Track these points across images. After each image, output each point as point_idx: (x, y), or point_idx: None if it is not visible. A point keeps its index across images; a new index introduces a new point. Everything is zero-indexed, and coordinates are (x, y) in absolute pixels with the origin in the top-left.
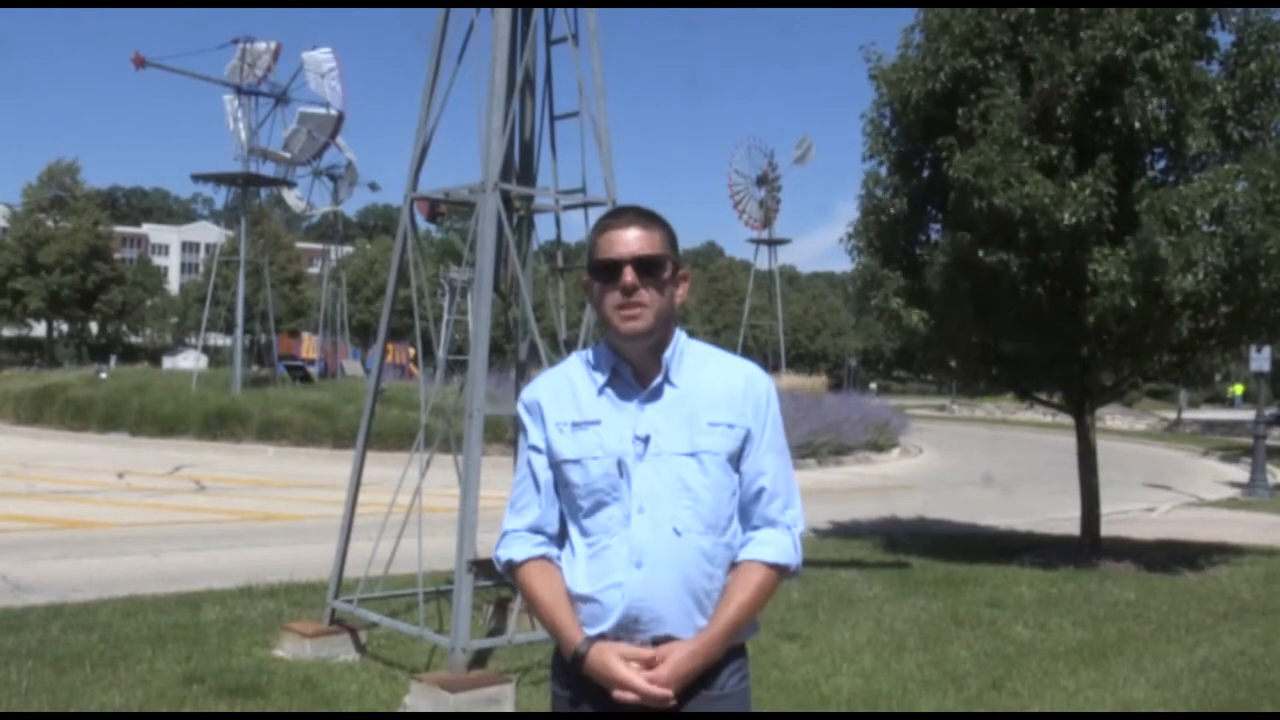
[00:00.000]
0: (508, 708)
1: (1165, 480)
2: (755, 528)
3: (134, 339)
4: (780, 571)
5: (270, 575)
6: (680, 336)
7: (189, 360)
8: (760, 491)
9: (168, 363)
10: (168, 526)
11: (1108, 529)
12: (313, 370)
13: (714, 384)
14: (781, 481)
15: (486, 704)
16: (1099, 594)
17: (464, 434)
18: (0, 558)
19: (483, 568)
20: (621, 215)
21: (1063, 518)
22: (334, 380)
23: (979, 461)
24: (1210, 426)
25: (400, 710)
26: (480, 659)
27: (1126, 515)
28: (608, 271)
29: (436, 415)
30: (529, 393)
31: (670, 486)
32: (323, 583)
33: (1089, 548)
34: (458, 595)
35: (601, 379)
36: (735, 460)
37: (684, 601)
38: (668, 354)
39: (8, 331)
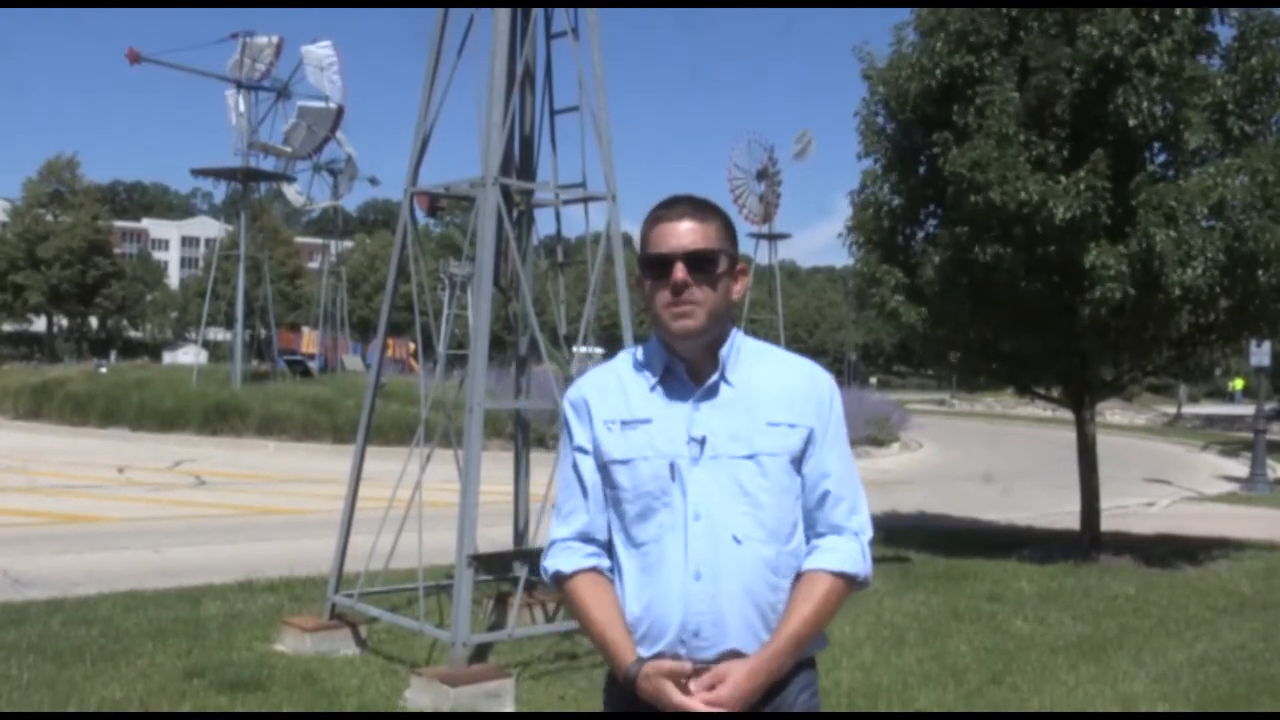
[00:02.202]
0: (508, 702)
1: (1165, 475)
2: (820, 535)
3: (134, 334)
4: (848, 581)
5: (270, 570)
6: (736, 334)
7: (189, 355)
8: (825, 495)
9: (168, 357)
10: (168, 521)
11: (1107, 524)
12: (313, 365)
13: (773, 382)
14: (847, 485)
15: (487, 698)
16: (1099, 589)
17: (464, 429)
18: (0, 552)
19: (483, 562)
20: (674, 206)
21: (1062, 512)
22: (334, 375)
23: (979, 456)
24: (1210, 421)
25: (401, 704)
26: (481, 653)
27: (1126, 510)
28: (658, 267)
29: (436, 410)
30: (575, 390)
31: (728, 491)
32: (323, 577)
33: (1089, 542)
34: (458, 590)
35: (654, 377)
36: (797, 463)
37: (748, 615)
38: (724, 351)
39: (7, 326)
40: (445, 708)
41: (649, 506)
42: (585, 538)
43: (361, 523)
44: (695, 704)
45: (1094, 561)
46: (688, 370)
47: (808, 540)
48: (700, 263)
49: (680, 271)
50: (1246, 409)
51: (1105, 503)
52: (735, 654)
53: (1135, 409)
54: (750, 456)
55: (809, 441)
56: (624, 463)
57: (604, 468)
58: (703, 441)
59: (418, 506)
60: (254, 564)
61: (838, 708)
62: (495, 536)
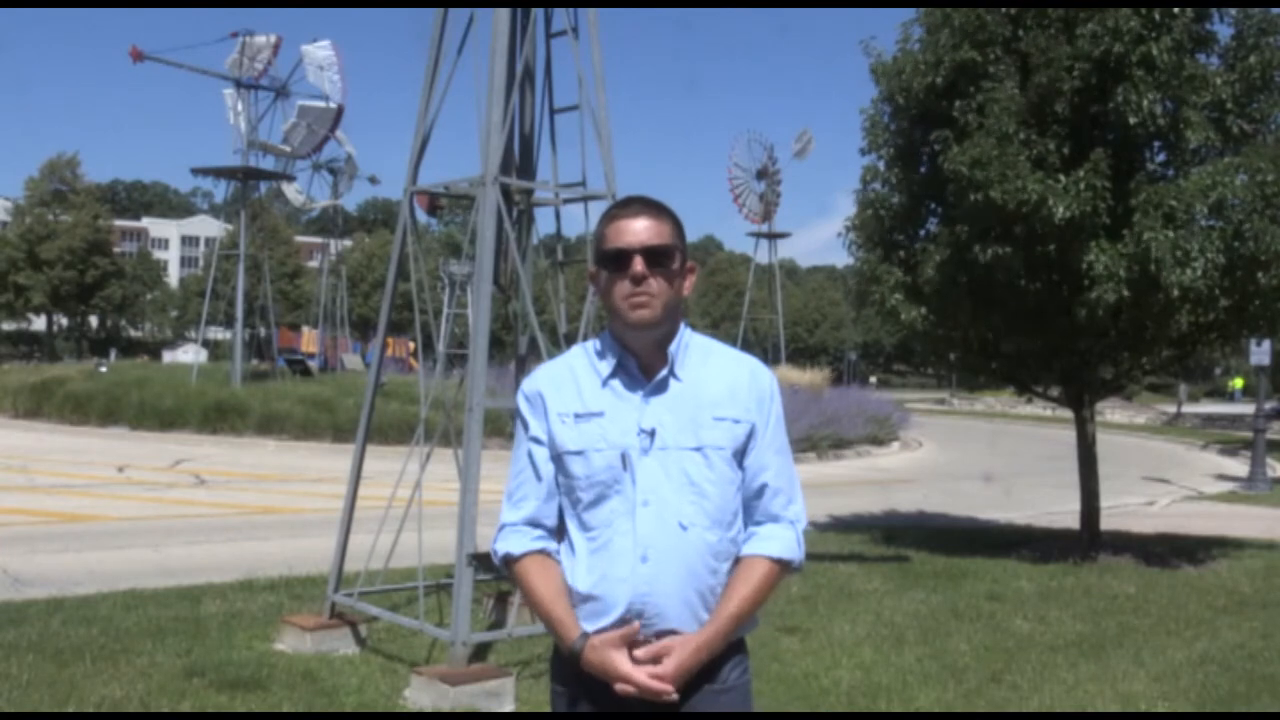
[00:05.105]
0: (508, 701)
1: (1165, 474)
2: (758, 523)
3: (134, 333)
4: (783, 567)
5: (270, 569)
6: (685, 330)
7: (189, 354)
8: (763, 487)
9: (167, 356)
10: (168, 520)
11: (1107, 523)
12: (312, 364)
13: (719, 378)
14: (784, 477)
15: (486, 697)
16: (1098, 587)
17: (464, 428)
18: (0, 551)
19: (483, 561)
20: (629, 205)
21: (1062, 511)
22: (334, 374)
23: (979, 455)
24: (1210, 420)
25: (400, 703)
26: (480, 652)
27: (1126, 509)
28: (616, 261)
29: (436, 409)
30: (529, 383)
31: (676, 481)
32: (323, 576)
33: (1088, 541)
34: (458, 589)
35: (606, 370)
36: (740, 455)
37: (689, 597)
38: (673, 347)
39: (7, 325)
40: (445, 707)
41: (601, 494)
42: (533, 523)
43: (361, 522)
44: (640, 675)
45: (1094, 560)
46: (639, 365)
47: (745, 527)
48: (658, 257)
49: (639, 264)
50: (1246, 408)
51: (1105, 502)
52: (673, 634)
53: (1135, 408)
54: (697, 449)
55: (751, 436)
56: (578, 453)
57: (558, 458)
58: (652, 433)
59: (417, 505)
60: (254, 563)
61: (837, 707)
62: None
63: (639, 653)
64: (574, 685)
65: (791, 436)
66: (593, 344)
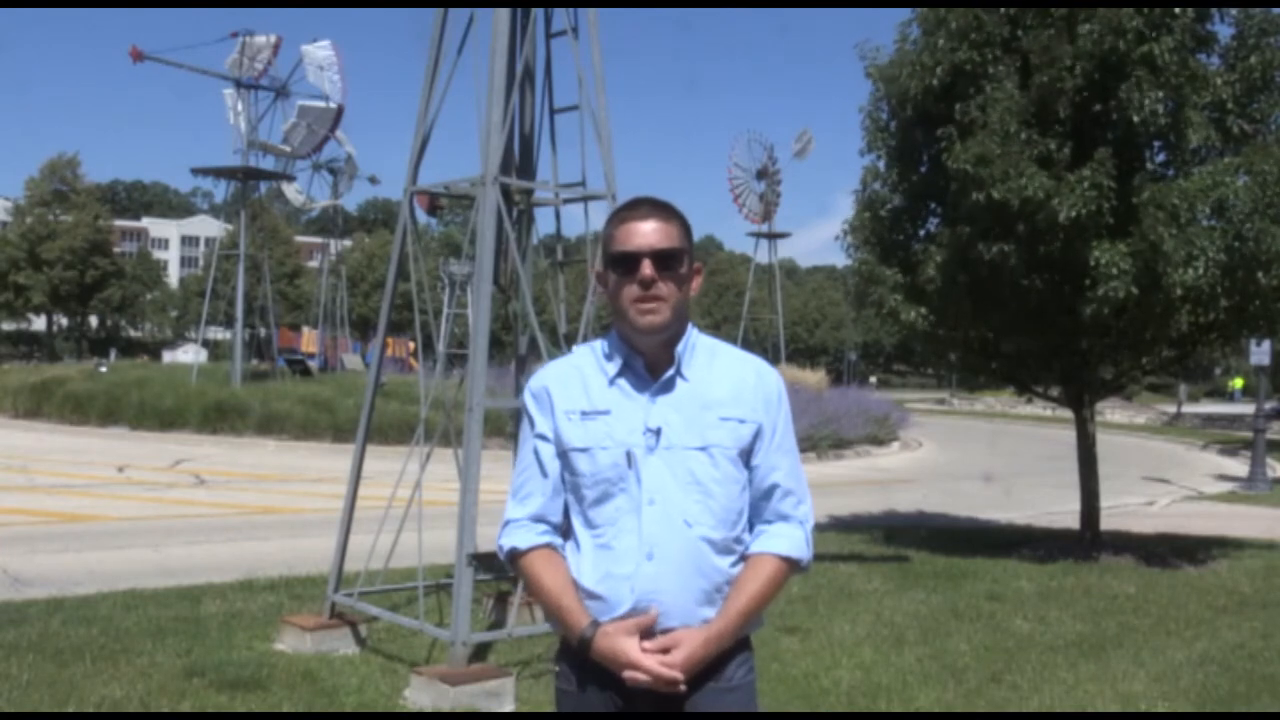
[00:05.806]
0: (508, 701)
1: (1165, 474)
2: (768, 522)
3: (134, 333)
4: (792, 565)
5: (270, 569)
6: (692, 330)
7: (189, 354)
8: (774, 488)
9: (167, 357)
10: (168, 520)
11: (1107, 523)
12: (312, 364)
13: (725, 379)
14: (794, 478)
15: (486, 697)
16: (1098, 587)
17: (464, 428)
18: (0, 551)
19: (483, 561)
20: (639, 207)
21: (1062, 511)
22: (334, 374)
23: (979, 455)
24: (1210, 420)
25: (400, 703)
26: (480, 652)
27: (1126, 509)
28: (625, 264)
29: (436, 409)
30: (536, 381)
31: (681, 480)
32: (323, 576)
33: (1088, 541)
34: (458, 589)
35: (613, 370)
36: (745, 455)
37: (694, 595)
38: (680, 347)
39: (7, 325)
40: (445, 707)
41: (606, 492)
42: (539, 519)
43: (361, 522)
44: (650, 662)
45: (1094, 560)
46: (645, 365)
47: (753, 527)
48: (666, 260)
49: (648, 268)
50: (1246, 408)
51: (1105, 502)
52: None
53: (1135, 408)
54: (703, 448)
55: (757, 436)
56: (583, 450)
57: (564, 454)
58: (658, 432)
59: (417, 505)
60: (254, 563)
61: (837, 707)
62: (494, 535)
63: (647, 644)
64: (582, 676)
65: None
66: (600, 344)
